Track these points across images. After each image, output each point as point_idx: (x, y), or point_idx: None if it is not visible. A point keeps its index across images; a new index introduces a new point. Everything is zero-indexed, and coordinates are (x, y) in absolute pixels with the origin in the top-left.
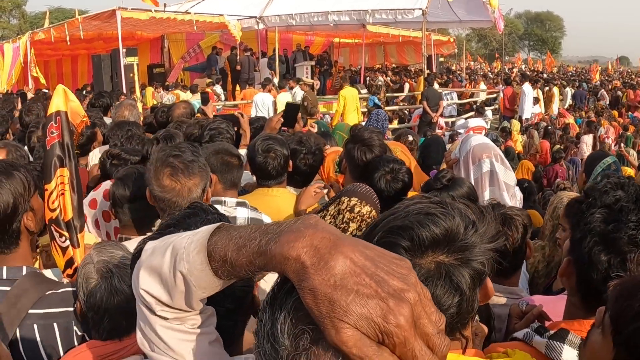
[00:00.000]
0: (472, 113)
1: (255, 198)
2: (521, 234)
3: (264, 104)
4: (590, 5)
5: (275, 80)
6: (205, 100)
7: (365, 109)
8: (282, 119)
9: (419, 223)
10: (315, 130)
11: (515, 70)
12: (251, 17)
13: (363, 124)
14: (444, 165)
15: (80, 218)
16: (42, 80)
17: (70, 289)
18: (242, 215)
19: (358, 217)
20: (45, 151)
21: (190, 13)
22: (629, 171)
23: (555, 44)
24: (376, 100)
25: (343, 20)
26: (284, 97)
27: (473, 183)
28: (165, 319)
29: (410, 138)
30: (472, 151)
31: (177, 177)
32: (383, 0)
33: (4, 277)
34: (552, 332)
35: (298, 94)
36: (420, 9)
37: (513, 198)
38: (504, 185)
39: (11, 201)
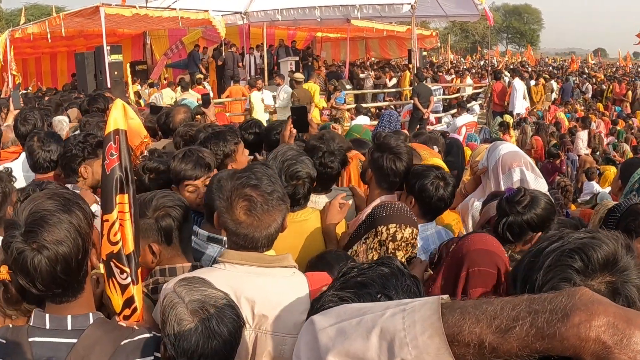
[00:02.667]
0: (455, 111)
1: None
2: None
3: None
4: None
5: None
6: (206, 101)
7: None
8: (293, 127)
9: (591, 245)
10: (339, 131)
11: (497, 64)
12: (236, 13)
13: (356, 121)
14: (467, 174)
15: (139, 250)
16: (18, 80)
17: (147, 335)
18: (211, 253)
19: (403, 244)
20: (105, 176)
21: (175, 9)
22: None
23: (534, 37)
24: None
25: (330, 15)
26: (255, 96)
27: None
28: None
29: (436, 149)
30: (501, 160)
31: (255, 212)
32: None
33: (69, 327)
34: None
35: (285, 91)
36: (409, 3)
37: None
38: None
39: (80, 243)
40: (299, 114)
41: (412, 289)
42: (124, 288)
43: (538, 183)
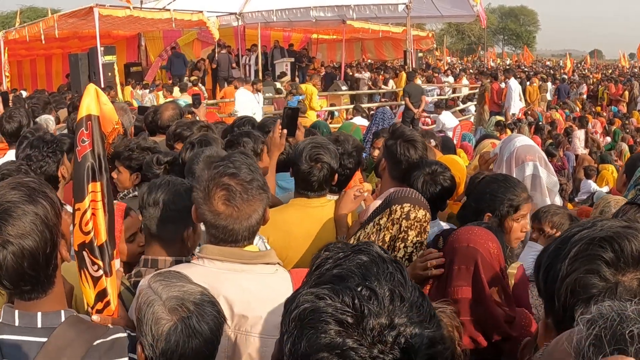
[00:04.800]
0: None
1: (295, 210)
2: None
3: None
4: None
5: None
6: (197, 101)
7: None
8: (284, 129)
9: (625, 236)
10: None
11: (492, 64)
12: (231, 14)
13: (351, 121)
14: (470, 168)
15: (113, 241)
16: (8, 84)
17: (121, 334)
18: None
19: (416, 224)
20: (77, 163)
21: (169, 10)
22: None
23: (530, 38)
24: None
25: (325, 16)
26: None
27: None
28: None
29: (433, 142)
30: (516, 152)
31: (234, 202)
32: None
33: (39, 325)
34: None
35: (239, 98)
36: (403, 3)
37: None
38: (547, 191)
39: (48, 236)
40: (291, 116)
41: (395, 277)
42: (95, 280)
43: (550, 180)
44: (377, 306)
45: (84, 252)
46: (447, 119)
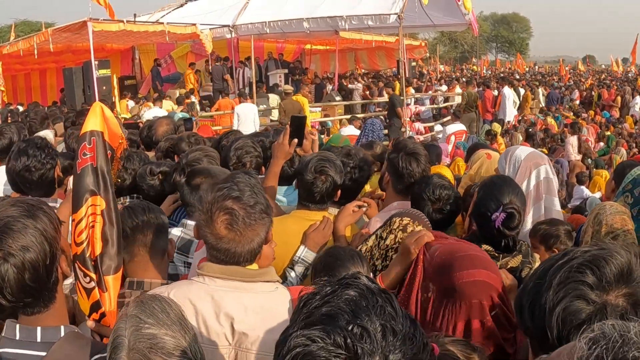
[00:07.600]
0: (449, 118)
1: (294, 221)
2: None
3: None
4: (555, 5)
5: (247, 89)
6: (189, 124)
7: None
8: (294, 138)
9: (602, 257)
10: (315, 137)
11: (485, 72)
12: (224, 26)
13: (343, 131)
14: (465, 179)
15: (117, 256)
16: (5, 98)
17: None
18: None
19: None
20: (75, 175)
21: (162, 23)
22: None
23: (523, 45)
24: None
25: (318, 27)
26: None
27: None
28: None
29: None
30: (525, 162)
31: (236, 226)
32: (357, 6)
33: (38, 339)
34: None
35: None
36: (395, 14)
37: None
38: (555, 191)
39: (48, 248)
40: (299, 124)
41: (385, 310)
42: (88, 292)
43: (556, 179)
44: (370, 344)
45: (76, 264)
46: (453, 128)
